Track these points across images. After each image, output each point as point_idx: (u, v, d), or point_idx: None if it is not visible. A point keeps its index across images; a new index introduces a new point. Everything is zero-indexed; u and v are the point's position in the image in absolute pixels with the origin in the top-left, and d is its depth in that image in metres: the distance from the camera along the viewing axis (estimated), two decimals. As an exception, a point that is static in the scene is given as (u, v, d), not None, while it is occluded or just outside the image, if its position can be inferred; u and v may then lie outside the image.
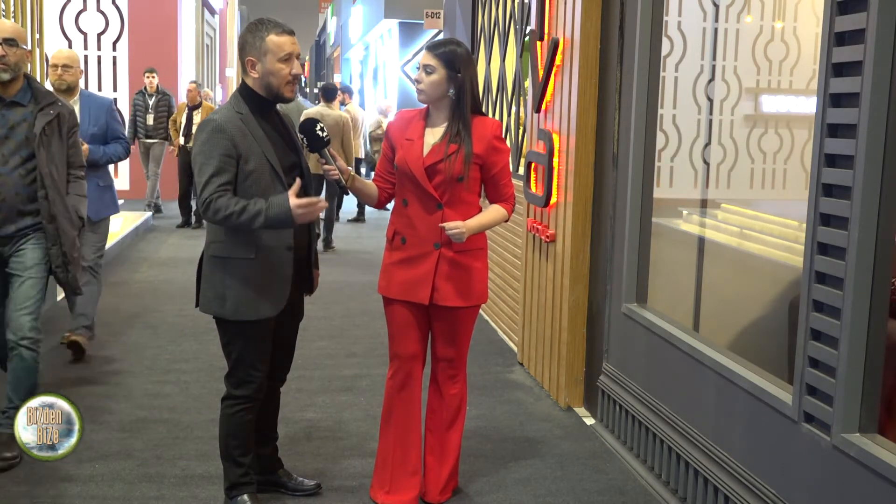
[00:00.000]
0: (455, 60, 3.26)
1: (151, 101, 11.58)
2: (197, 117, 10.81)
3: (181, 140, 10.89)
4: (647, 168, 3.99)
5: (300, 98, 13.57)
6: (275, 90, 3.15)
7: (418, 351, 3.43)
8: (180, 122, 11.08)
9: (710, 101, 4.45)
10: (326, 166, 3.24)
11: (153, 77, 11.61)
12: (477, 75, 3.39)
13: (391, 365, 3.48)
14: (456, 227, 3.19)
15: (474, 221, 3.29)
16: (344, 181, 3.27)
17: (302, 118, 11.78)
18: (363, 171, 14.28)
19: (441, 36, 12.50)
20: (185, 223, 11.11)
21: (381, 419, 3.52)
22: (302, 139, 3.25)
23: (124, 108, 13.77)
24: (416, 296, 3.32)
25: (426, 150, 3.29)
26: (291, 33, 3.16)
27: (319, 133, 3.20)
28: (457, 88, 3.27)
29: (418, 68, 3.30)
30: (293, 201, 3.02)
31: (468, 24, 7.44)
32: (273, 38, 3.10)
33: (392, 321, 3.43)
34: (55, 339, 5.78)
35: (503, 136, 3.47)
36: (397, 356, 3.45)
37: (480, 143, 3.27)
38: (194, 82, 11.22)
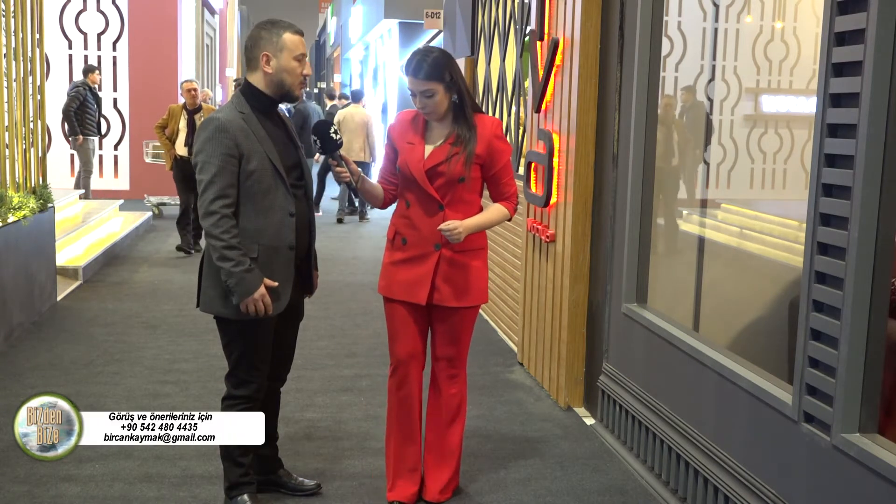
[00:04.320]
0: (442, 70, 3.22)
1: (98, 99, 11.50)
2: (200, 122, 8.21)
3: (184, 150, 8.94)
4: (647, 168, 4.00)
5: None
6: (286, 87, 3.18)
7: (417, 351, 3.43)
8: (175, 129, 9.06)
9: (710, 101, 4.45)
10: (338, 168, 3.25)
11: (97, 75, 11.58)
12: (460, 69, 3.37)
13: (391, 364, 3.49)
14: (452, 227, 3.19)
15: (473, 221, 3.29)
16: (354, 183, 3.29)
17: (337, 118, 12.53)
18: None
19: (441, 36, 12.50)
20: (186, 246, 9.26)
21: (387, 417, 3.55)
22: (315, 141, 3.27)
23: (124, 108, 13.81)
24: (415, 296, 3.33)
25: (427, 152, 3.30)
26: (303, 34, 3.23)
27: (333, 136, 3.22)
28: (457, 92, 3.27)
29: (413, 95, 3.25)
30: (261, 291, 3.08)
31: (468, 24, 7.44)
32: (290, 36, 3.16)
33: (391, 321, 3.44)
34: (53, 340, 5.78)
35: (504, 133, 3.47)
36: (396, 356, 3.46)
37: (481, 142, 3.28)
38: (194, 81, 9.44)
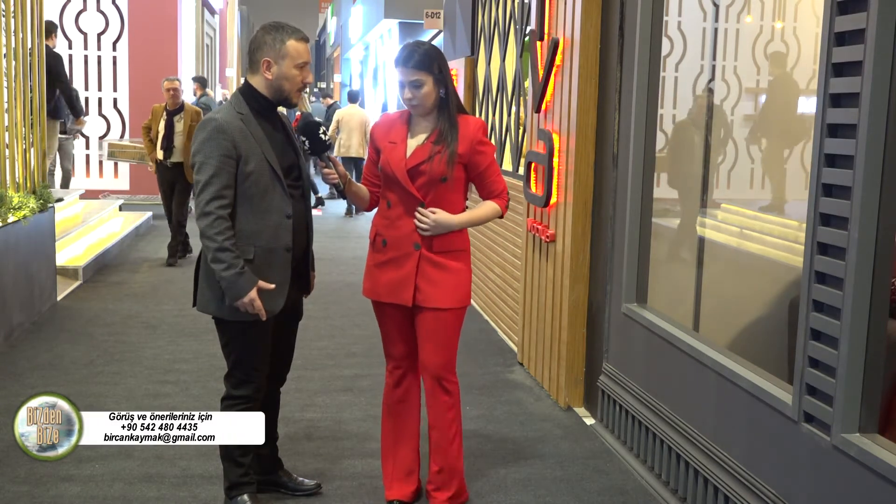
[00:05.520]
0: (432, 62, 3.22)
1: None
2: (179, 124, 8.35)
3: (160, 154, 8.38)
4: (647, 168, 4.00)
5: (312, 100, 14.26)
6: (285, 94, 3.17)
7: (412, 350, 3.43)
8: (157, 131, 8.41)
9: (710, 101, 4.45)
10: (326, 170, 3.24)
11: None
12: (449, 67, 3.36)
13: (387, 363, 3.50)
14: (425, 217, 3.20)
15: (458, 218, 3.27)
16: (342, 185, 3.28)
17: (336, 117, 12.97)
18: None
19: (441, 36, 12.51)
20: (175, 256, 8.69)
21: (382, 418, 3.54)
22: (303, 142, 3.25)
23: (124, 108, 13.80)
24: (399, 297, 3.31)
25: (409, 151, 3.28)
26: (308, 41, 3.20)
27: (322, 136, 3.20)
28: (444, 87, 3.26)
29: (401, 86, 3.24)
30: (253, 294, 3.06)
31: (468, 24, 7.44)
32: (293, 44, 3.13)
33: (382, 323, 3.46)
34: (53, 340, 5.78)
35: (489, 134, 3.46)
36: (391, 356, 3.47)
37: (463, 141, 3.26)
38: (175, 79, 8.50)
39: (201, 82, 13.84)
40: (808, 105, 4.28)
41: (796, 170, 4.00)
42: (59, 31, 10.19)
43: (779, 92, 4.18)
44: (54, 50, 9.42)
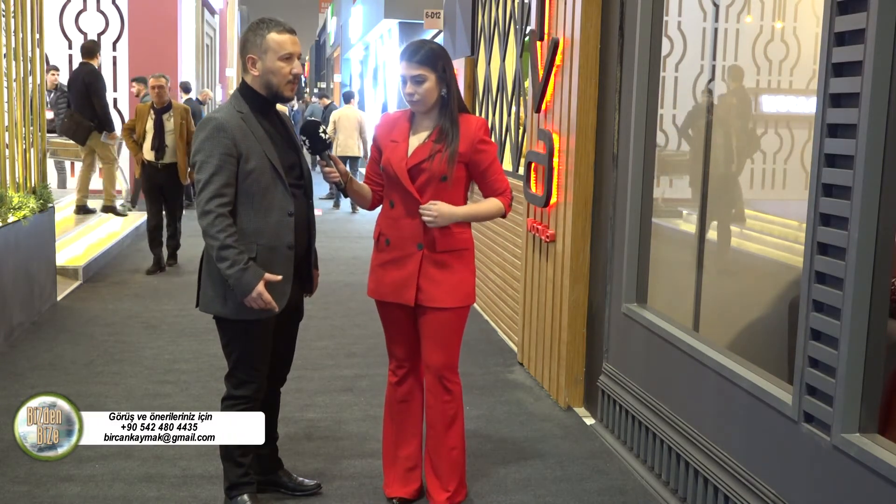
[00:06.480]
0: (437, 60, 3.23)
1: (50, 98, 10.80)
2: (169, 123, 8.05)
3: (151, 155, 8.06)
4: (647, 168, 4.00)
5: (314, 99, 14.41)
6: (275, 89, 3.16)
7: (413, 350, 3.44)
8: (142, 131, 8.08)
9: (710, 101, 4.44)
10: (327, 169, 3.24)
11: (55, 75, 11.15)
12: (454, 67, 3.36)
13: (390, 363, 3.50)
14: (428, 209, 3.19)
15: (460, 209, 3.28)
16: (344, 183, 3.28)
17: (333, 118, 13.11)
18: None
19: (441, 36, 12.51)
20: (158, 267, 8.27)
21: (384, 416, 3.55)
22: (304, 141, 3.25)
23: (124, 108, 13.81)
24: (402, 297, 3.31)
25: (410, 150, 3.28)
26: (293, 32, 3.17)
27: (322, 135, 3.20)
28: (447, 86, 3.27)
29: (405, 81, 3.24)
30: (260, 288, 3.05)
31: (468, 24, 7.44)
32: (274, 37, 3.11)
33: (385, 323, 3.46)
34: (53, 340, 5.78)
35: (490, 134, 3.46)
36: (394, 355, 3.47)
37: (464, 140, 3.26)
38: (161, 76, 8.18)
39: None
40: (761, 118, 4.32)
41: (746, 181, 4.07)
42: (100, 50, 10.37)
43: (733, 105, 4.23)
44: (96, 68, 9.70)
